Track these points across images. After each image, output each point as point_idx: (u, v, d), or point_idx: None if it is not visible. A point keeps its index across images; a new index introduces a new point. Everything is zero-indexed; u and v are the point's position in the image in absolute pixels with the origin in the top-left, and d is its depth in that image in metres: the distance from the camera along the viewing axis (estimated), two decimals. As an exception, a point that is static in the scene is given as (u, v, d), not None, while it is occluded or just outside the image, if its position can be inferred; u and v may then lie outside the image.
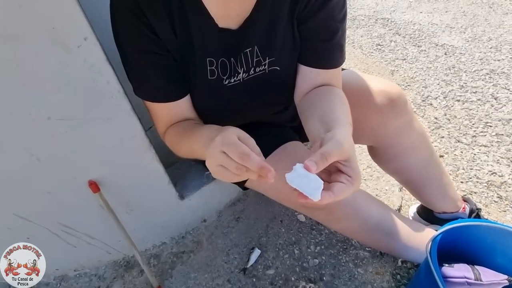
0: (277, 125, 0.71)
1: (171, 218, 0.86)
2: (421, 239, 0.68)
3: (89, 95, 0.53)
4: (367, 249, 0.83)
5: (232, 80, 0.54)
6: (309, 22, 0.51)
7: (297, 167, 0.35)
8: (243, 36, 0.51)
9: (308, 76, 0.56)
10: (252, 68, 0.54)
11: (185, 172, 0.90)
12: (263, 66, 0.54)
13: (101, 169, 0.64)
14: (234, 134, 0.38)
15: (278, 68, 0.55)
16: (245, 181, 0.71)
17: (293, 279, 0.79)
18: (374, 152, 0.77)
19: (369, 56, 1.73)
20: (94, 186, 0.64)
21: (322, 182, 0.36)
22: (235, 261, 0.84)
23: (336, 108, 0.49)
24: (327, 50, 0.54)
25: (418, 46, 1.74)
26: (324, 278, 0.79)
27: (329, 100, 0.52)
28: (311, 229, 0.90)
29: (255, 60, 0.53)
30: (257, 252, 0.83)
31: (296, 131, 0.73)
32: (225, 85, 0.54)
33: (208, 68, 0.52)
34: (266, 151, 0.61)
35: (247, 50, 0.52)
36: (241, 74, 0.54)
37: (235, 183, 0.74)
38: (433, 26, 1.91)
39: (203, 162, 0.84)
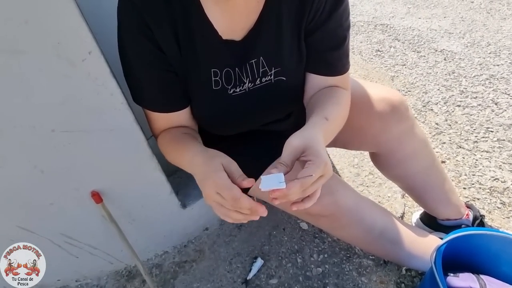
0: (278, 134, 0.71)
1: (173, 227, 0.86)
2: (425, 247, 0.68)
3: (93, 107, 0.53)
4: (371, 257, 0.83)
5: (238, 90, 0.55)
6: (317, 32, 0.52)
7: (262, 178, 0.41)
8: (247, 47, 0.52)
9: (316, 83, 0.57)
10: (258, 79, 0.55)
11: (187, 181, 0.90)
12: (269, 77, 0.55)
13: (104, 180, 0.64)
14: (221, 171, 0.42)
15: (284, 79, 0.56)
16: (248, 189, 0.70)
17: (296, 288, 0.79)
18: (376, 159, 0.77)
19: (369, 62, 1.74)
20: (97, 197, 0.64)
21: (282, 173, 0.40)
22: (238, 270, 0.84)
23: (321, 107, 0.52)
24: (335, 58, 0.55)
25: (418, 52, 1.75)
26: (328, 287, 0.78)
27: (323, 100, 0.55)
28: (314, 237, 0.89)
29: (261, 70, 0.54)
30: (260, 262, 0.83)
31: None
32: (229, 95, 0.55)
33: (213, 79, 0.53)
34: (268, 160, 0.61)
35: (253, 61, 0.53)
36: (247, 84, 0.55)
37: None
38: (432, 32, 1.92)
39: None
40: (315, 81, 0.57)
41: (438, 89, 1.45)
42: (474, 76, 1.49)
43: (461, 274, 0.56)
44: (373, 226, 0.65)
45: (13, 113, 0.49)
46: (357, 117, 0.64)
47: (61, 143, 0.54)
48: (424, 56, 1.70)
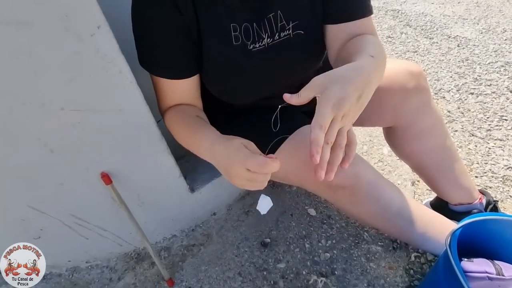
0: (289, 111, 0.71)
1: (181, 211, 0.86)
2: (441, 229, 0.67)
3: (102, 85, 0.52)
4: (380, 243, 0.82)
5: (257, 45, 0.54)
6: None
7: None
8: (265, 1, 0.51)
9: (340, 33, 0.54)
10: (277, 34, 0.54)
11: (195, 166, 0.89)
12: (287, 31, 0.54)
13: (113, 161, 0.64)
14: (243, 148, 0.43)
15: (303, 32, 0.55)
16: None
17: (304, 272, 0.79)
18: (391, 134, 0.76)
19: (379, 48, 1.70)
20: (106, 178, 0.63)
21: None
22: (246, 254, 0.84)
23: (360, 50, 0.47)
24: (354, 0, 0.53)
25: (430, 38, 1.70)
26: (336, 272, 0.78)
27: (358, 45, 0.51)
28: (322, 223, 0.89)
29: (279, 25, 0.53)
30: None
31: (308, 116, 0.73)
32: (249, 50, 0.54)
33: (232, 33, 0.52)
34: (282, 137, 0.62)
35: (270, 15, 0.52)
36: (266, 39, 0.54)
37: None
38: (445, 18, 1.86)
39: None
40: (338, 31, 0.54)
41: (451, 77, 1.41)
42: (489, 63, 1.44)
43: (475, 259, 0.55)
44: (391, 203, 0.64)
45: (22, 89, 0.48)
46: (378, 88, 0.63)
47: (70, 121, 0.53)
48: (437, 43, 1.65)
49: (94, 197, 0.68)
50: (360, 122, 0.76)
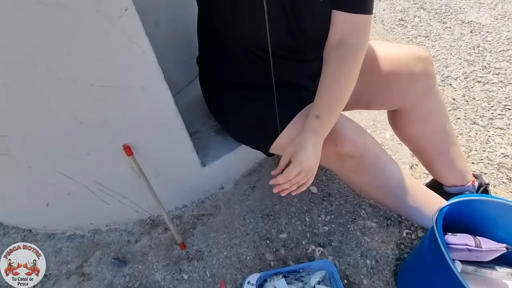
0: (298, 87, 0.74)
1: (192, 183, 0.93)
2: (435, 206, 0.73)
3: (127, 64, 0.57)
4: (375, 220, 0.89)
5: None
6: None
7: None
8: None
9: (338, 23, 0.59)
10: None
11: (206, 142, 0.95)
12: None
13: (134, 134, 0.69)
14: None
15: (321, 0, 0.57)
16: (269, 147, 0.74)
17: (303, 243, 0.87)
18: (396, 117, 0.80)
19: (391, 32, 1.68)
20: (128, 150, 0.69)
21: None
22: (251, 225, 0.92)
23: (316, 101, 0.61)
24: None
25: (443, 23, 1.67)
26: (333, 243, 0.86)
27: (323, 83, 0.61)
28: (322, 200, 0.96)
29: None
30: None
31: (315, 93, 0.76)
32: None
33: None
34: (291, 113, 0.67)
35: None
36: None
37: (260, 149, 0.78)
38: (461, 1, 1.81)
39: (223, 132, 0.90)
40: (336, 20, 0.59)
41: (460, 64, 1.41)
42: (500, 51, 1.43)
43: (459, 234, 0.61)
44: (392, 176, 0.71)
45: (58, 66, 0.52)
46: (385, 71, 0.68)
47: (99, 97, 0.59)
48: (450, 28, 1.63)
49: (116, 167, 0.74)
50: (367, 105, 0.80)
